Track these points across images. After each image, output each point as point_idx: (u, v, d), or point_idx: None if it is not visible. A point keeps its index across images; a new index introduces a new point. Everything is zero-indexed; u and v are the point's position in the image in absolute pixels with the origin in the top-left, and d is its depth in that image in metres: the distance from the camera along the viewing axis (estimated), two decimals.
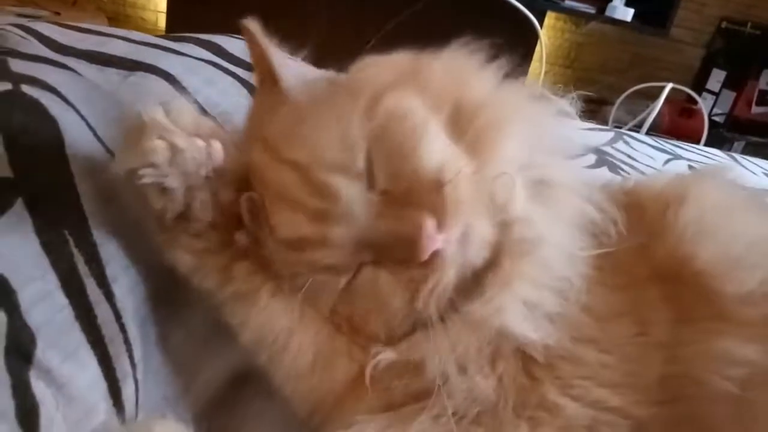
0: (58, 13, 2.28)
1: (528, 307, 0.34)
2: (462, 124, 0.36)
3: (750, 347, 0.33)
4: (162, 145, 0.32)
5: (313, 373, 0.35)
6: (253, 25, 0.39)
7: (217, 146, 0.34)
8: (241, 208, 0.36)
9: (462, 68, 0.40)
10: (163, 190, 0.33)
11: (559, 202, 0.37)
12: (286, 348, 0.35)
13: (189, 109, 0.36)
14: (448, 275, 0.33)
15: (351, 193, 0.33)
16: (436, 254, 0.32)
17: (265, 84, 0.41)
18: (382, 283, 0.34)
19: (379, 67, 0.40)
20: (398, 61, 0.40)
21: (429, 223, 0.32)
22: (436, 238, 0.32)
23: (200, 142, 0.34)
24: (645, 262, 0.38)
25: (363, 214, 0.33)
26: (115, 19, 2.60)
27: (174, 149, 0.33)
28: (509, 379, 0.34)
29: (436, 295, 0.33)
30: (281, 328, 0.35)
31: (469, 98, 0.37)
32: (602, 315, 0.35)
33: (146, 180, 0.32)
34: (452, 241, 0.33)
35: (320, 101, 0.37)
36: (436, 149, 0.35)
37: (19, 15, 2.05)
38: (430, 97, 0.37)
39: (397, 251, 0.33)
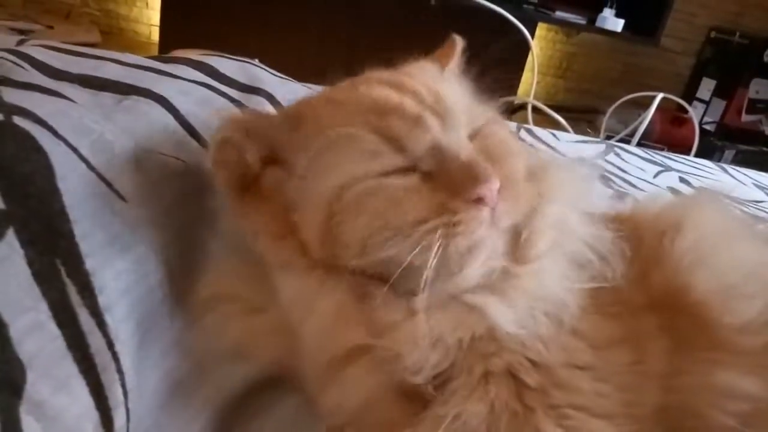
0: (51, 27, 2.28)
1: (516, 311, 0.35)
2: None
3: (750, 380, 0.33)
4: None
5: (333, 330, 0.36)
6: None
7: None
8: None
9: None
10: None
11: (567, 245, 0.39)
12: (313, 310, 0.36)
13: None
14: (474, 229, 0.34)
15: (462, 117, 0.39)
16: (480, 201, 0.34)
17: None
18: (415, 192, 0.35)
19: None
20: None
21: (497, 180, 0.35)
22: (492, 191, 0.35)
23: None
24: (642, 290, 0.38)
25: (454, 131, 0.38)
26: (108, 33, 2.61)
27: None
28: (501, 405, 0.33)
29: (448, 239, 0.34)
30: (310, 293, 0.37)
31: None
32: (598, 342, 0.35)
33: None
34: (497, 209, 0.35)
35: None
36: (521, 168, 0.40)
37: (12, 29, 2.06)
38: None
39: (456, 175, 0.35)
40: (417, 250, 0.34)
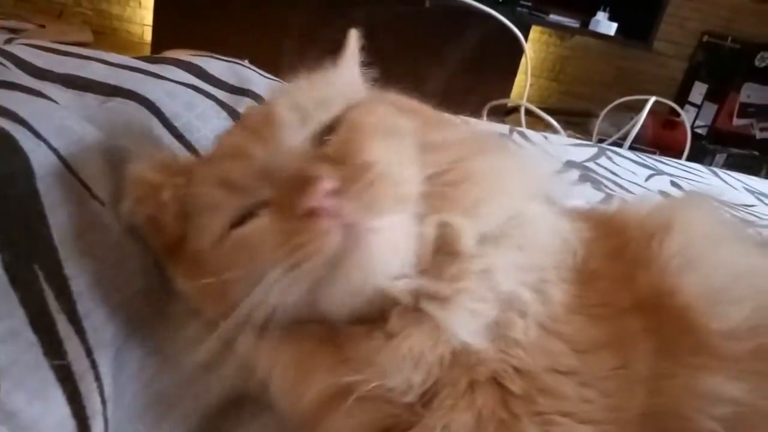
0: (43, 26, 2.26)
1: (471, 315, 0.34)
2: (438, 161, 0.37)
3: (736, 385, 0.33)
4: None
5: (296, 385, 0.35)
6: None
7: None
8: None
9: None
10: None
11: (524, 237, 0.38)
12: (272, 368, 0.35)
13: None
14: (319, 244, 0.31)
15: (293, 126, 0.36)
16: (317, 212, 0.31)
17: None
18: (264, 231, 0.34)
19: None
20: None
21: (330, 181, 0.32)
22: (325, 195, 0.31)
23: None
24: (628, 292, 0.38)
25: (282, 147, 0.35)
26: (101, 33, 2.59)
27: None
28: (488, 414, 0.32)
29: (300, 260, 0.32)
30: (266, 352, 0.36)
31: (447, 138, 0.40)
32: (582, 346, 0.35)
33: None
34: (345, 213, 0.32)
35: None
36: (392, 152, 0.36)
37: (3, 28, 2.04)
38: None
39: (285, 193, 0.33)
40: (288, 289, 0.32)
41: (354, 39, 0.46)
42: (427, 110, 0.44)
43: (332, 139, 0.36)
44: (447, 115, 0.48)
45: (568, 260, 0.38)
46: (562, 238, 0.38)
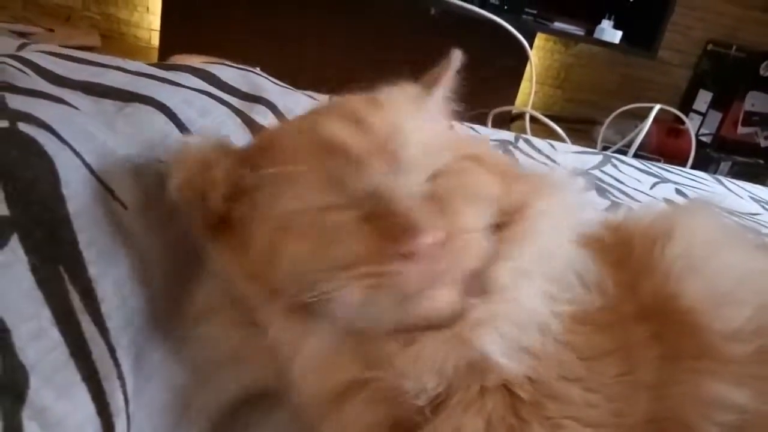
0: (51, 30, 2.28)
1: (501, 337, 0.34)
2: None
3: (740, 391, 0.33)
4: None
5: (317, 373, 0.35)
6: None
7: None
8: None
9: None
10: None
11: (551, 267, 0.38)
12: (298, 351, 0.36)
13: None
14: (399, 284, 0.33)
15: (410, 156, 0.36)
16: (411, 255, 0.32)
17: None
18: (350, 232, 0.34)
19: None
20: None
21: (435, 235, 0.32)
22: (424, 246, 0.32)
23: None
24: (632, 299, 0.38)
25: (401, 175, 0.36)
26: (108, 37, 2.61)
27: None
28: (498, 419, 0.33)
29: (375, 289, 0.33)
30: (293, 334, 0.36)
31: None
32: (588, 353, 0.36)
33: None
34: (436, 263, 0.33)
35: None
36: (480, 221, 0.36)
37: (12, 32, 2.06)
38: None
39: (391, 224, 0.33)
40: (345, 293, 0.33)
41: (455, 63, 0.45)
42: (507, 166, 0.44)
43: (440, 186, 0.37)
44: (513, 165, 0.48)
45: (583, 280, 0.39)
46: (580, 267, 0.39)
